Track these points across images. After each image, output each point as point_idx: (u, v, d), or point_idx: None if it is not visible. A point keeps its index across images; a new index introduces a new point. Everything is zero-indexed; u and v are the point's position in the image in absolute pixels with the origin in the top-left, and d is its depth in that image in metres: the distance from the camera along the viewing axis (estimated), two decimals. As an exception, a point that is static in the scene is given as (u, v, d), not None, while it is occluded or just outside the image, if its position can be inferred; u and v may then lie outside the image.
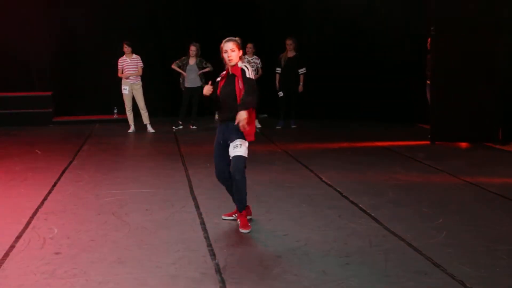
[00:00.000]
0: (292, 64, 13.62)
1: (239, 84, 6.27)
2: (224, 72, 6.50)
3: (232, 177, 6.33)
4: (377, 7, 14.67)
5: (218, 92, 6.42)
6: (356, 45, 14.91)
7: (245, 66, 6.33)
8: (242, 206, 6.41)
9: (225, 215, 6.79)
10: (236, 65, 6.32)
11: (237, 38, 6.43)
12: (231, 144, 6.30)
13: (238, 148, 6.26)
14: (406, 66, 14.30)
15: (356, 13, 14.90)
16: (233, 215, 6.70)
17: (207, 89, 6.35)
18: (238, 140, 6.27)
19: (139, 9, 15.94)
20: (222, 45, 6.35)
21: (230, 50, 6.30)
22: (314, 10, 15.41)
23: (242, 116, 6.06)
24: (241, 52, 6.37)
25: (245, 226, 6.33)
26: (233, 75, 6.35)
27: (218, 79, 6.49)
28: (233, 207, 6.73)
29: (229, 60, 6.32)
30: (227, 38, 6.40)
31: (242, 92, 6.23)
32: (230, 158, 6.32)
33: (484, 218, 6.76)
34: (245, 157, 6.30)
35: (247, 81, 6.24)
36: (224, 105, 6.40)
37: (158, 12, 16.01)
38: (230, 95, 6.32)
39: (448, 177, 8.83)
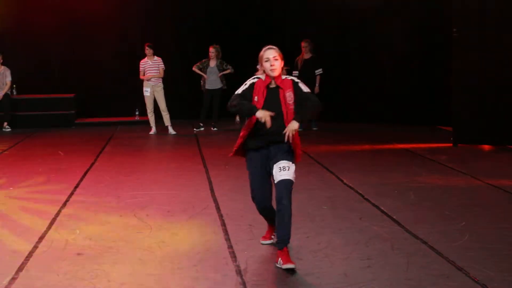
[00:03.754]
0: (309, 66, 13.59)
1: (287, 98, 5.42)
2: (260, 84, 5.51)
3: (277, 203, 5.36)
4: (397, 7, 14.59)
5: (259, 107, 5.39)
6: (377, 47, 14.86)
7: (294, 78, 5.58)
8: (286, 241, 5.38)
9: (263, 239, 5.98)
10: (279, 76, 5.47)
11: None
12: (275, 166, 5.39)
13: (286, 171, 5.36)
14: (427, 68, 14.23)
15: (375, 14, 14.85)
16: (272, 237, 5.91)
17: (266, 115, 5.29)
18: (285, 161, 5.38)
19: (161, 11, 16.02)
20: (261, 53, 5.47)
21: (273, 58, 5.41)
22: (333, 11, 15.38)
23: (294, 126, 5.30)
24: (283, 63, 5.50)
25: (289, 260, 5.32)
26: (276, 88, 5.46)
27: (256, 99, 5.45)
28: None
29: (272, 69, 5.41)
30: (267, 46, 5.53)
31: (291, 108, 5.42)
32: (275, 182, 5.40)
33: (507, 221, 6.69)
34: (293, 182, 5.42)
35: (306, 96, 5.46)
36: (264, 126, 5.34)
37: (179, 14, 16.07)
38: (278, 114, 5.38)
39: (470, 179, 8.76)
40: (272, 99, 5.44)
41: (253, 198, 5.61)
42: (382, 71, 14.88)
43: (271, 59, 5.41)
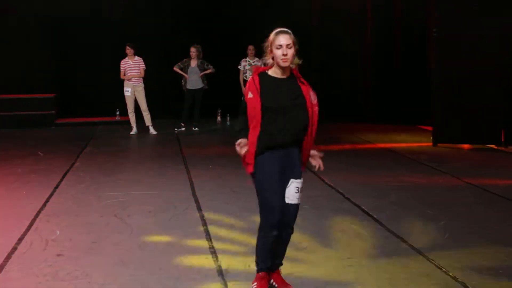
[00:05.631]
0: None
1: (312, 97, 4.60)
2: (252, 81, 4.61)
3: (284, 227, 4.71)
4: (378, 7, 14.66)
5: (257, 103, 4.51)
6: (357, 46, 14.93)
7: None
8: (280, 264, 4.92)
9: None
10: (289, 68, 4.61)
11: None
12: (292, 181, 4.62)
13: (300, 194, 4.68)
14: (408, 68, 14.31)
15: (355, 13, 14.91)
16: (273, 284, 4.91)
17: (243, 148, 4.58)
18: (300, 181, 4.66)
19: (142, 10, 15.95)
20: (272, 37, 4.54)
21: (286, 46, 4.49)
22: (313, 9, 15.43)
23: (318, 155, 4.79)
24: (295, 50, 4.59)
25: (285, 284, 4.89)
26: (294, 80, 4.61)
27: (250, 95, 4.55)
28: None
29: (283, 59, 4.50)
30: (279, 29, 4.58)
31: (316, 109, 4.61)
32: (287, 201, 4.64)
33: (487, 220, 6.75)
34: None
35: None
36: (278, 122, 4.54)
37: (160, 13, 16.02)
38: (295, 107, 4.54)
39: (450, 179, 8.82)
40: (289, 89, 4.58)
41: (270, 214, 4.56)
42: (363, 71, 14.93)
43: (284, 47, 4.49)
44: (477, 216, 6.92)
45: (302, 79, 4.63)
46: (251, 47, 13.80)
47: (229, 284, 5.01)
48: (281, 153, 4.59)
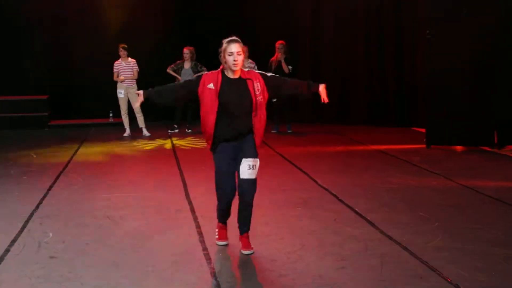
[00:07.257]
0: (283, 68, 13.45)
1: (256, 88, 5.47)
2: (215, 76, 5.53)
3: (244, 202, 5.63)
4: (373, 10, 14.70)
5: (213, 100, 5.43)
6: (350, 48, 14.95)
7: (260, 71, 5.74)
8: (247, 229, 5.81)
9: (220, 240, 6.02)
10: (242, 70, 5.52)
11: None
12: (244, 161, 5.52)
13: (254, 170, 5.51)
14: (401, 69, 14.34)
15: (349, 14, 14.95)
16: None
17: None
18: (253, 159, 5.53)
19: (135, 12, 15.94)
20: (224, 46, 5.45)
21: (237, 53, 5.39)
22: (307, 12, 15.45)
23: (323, 87, 5.78)
24: (244, 56, 5.50)
25: (248, 246, 5.77)
26: (243, 80, 5.49)
27: (210, 85, 5.45)
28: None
29: (235, 64, 5.40)
30: (230, 38, 5.48)
31: (258, 99, 5.47)
32: (241, 177, 5.56)
33: (479, 222, 6.76)
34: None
35: (283, 78, 5.83)
36: (231, 117, 5.47)
37: (154, 15, 16.01)
38: (242, 103, 5.46)
39: (443, 180, 8.84)
40: (239, 89, 5.46)
41: (221, 194, 5.64)
42: (355, 73, 14.95)
43: (235, 54, 5.40)
44: (470, 218, 6.93)
45: (249, 75, 5.49)
46: (244, 49, 13.71)
47: (222, 286, 5.00)
48: (233, 142, 5.51)
